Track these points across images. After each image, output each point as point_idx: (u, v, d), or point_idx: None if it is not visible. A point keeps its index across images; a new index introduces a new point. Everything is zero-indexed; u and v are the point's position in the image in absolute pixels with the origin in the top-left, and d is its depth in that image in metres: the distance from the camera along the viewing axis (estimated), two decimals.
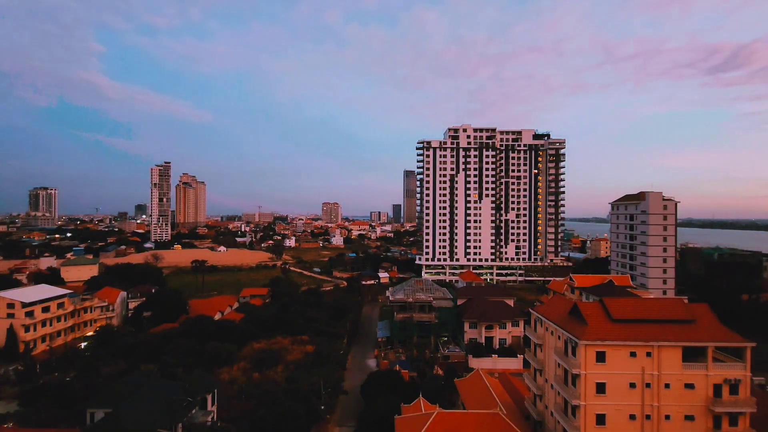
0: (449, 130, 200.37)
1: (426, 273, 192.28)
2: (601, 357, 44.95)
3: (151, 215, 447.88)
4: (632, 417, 44.27)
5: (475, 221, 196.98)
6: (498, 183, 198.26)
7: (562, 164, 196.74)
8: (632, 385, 44.53)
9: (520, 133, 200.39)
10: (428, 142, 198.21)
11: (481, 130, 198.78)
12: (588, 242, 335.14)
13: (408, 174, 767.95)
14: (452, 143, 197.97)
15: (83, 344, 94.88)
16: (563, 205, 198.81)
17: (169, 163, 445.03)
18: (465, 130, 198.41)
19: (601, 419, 44.47)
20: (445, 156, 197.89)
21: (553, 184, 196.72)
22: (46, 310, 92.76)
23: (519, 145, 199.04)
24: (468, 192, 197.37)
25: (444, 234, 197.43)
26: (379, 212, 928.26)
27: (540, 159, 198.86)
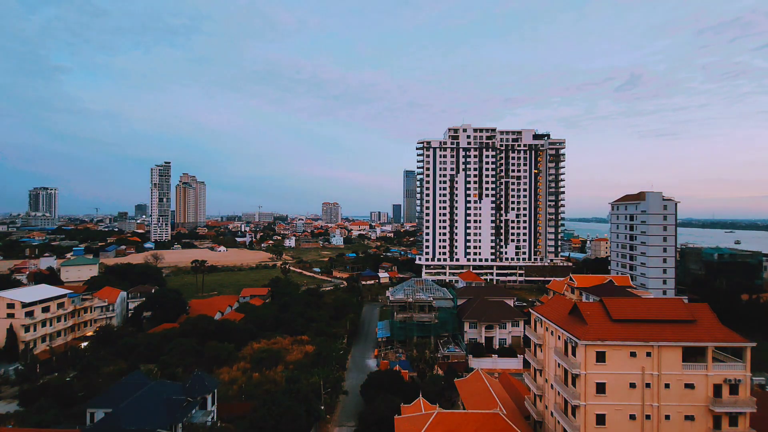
0: (449, 129, 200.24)
1: (426, 273, 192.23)
2: (601, 357, 44.96)
3: (151, 215, 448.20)
4: (632, 417, 44.27)
5: (475, 221, 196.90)
6: (498, 183, 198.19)
7: (562, 164, 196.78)
8: (632, 386, 44.52)
9: (520, 133, 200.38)
10: (428, 142, 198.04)
11: (481, 130, 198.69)
12: (588, 242, 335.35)
13: (408, 174, 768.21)
14: (452, 143, 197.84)
15: (83, 344, 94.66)
16: (563, 205, 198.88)
17: (169, 163, 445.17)
18: (465, 130, 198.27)
19: (601, 419, 44.47)
20: (445, 156, 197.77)
21: (553, 184, 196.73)
22: (46, 310, 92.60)
23: (519, 145, 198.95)
24: (468, 192, 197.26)
25: (444, 234, 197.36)
26: (379, 212, 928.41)
27: (540, 159, 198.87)
